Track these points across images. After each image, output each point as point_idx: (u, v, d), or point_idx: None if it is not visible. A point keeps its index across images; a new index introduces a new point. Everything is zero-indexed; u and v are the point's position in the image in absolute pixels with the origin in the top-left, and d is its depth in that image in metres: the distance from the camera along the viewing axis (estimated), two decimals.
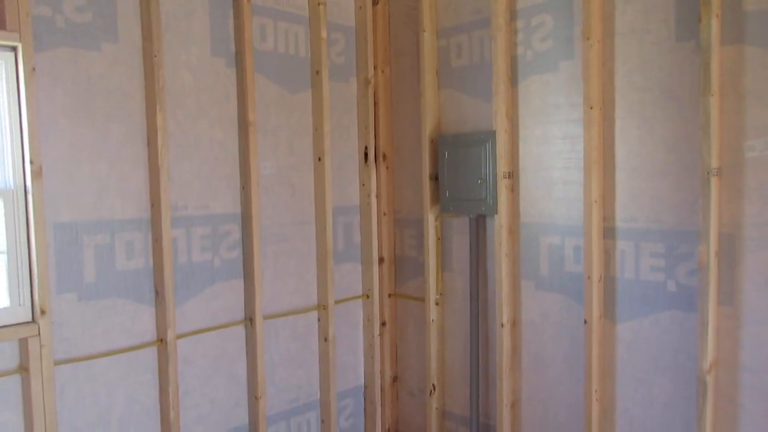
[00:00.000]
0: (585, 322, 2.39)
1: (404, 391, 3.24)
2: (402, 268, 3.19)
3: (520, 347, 2.70)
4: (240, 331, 2.68)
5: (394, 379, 3.26)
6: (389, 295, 3.22)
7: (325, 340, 2.94)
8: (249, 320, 2.67)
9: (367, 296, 3.15)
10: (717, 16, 2.03)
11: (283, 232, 2.83)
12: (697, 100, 2.13)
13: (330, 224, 2.90)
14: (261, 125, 2.70)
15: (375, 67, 3.10)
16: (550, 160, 2.54)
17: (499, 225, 2.65)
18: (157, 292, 2.40)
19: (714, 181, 2.06)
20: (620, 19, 2.30)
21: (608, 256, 2.39)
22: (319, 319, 2.97)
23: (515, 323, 2.70)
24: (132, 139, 2.34)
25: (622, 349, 2.38)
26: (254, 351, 2.65)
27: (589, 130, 2.34)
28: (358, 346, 3.17)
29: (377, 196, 3.13)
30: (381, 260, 3.18)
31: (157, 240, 2.37)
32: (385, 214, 3.17)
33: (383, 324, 3.21)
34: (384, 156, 3.15)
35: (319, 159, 2.90)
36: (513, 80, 2.64)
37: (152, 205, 2.38)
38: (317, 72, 2.87)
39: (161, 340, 2.40)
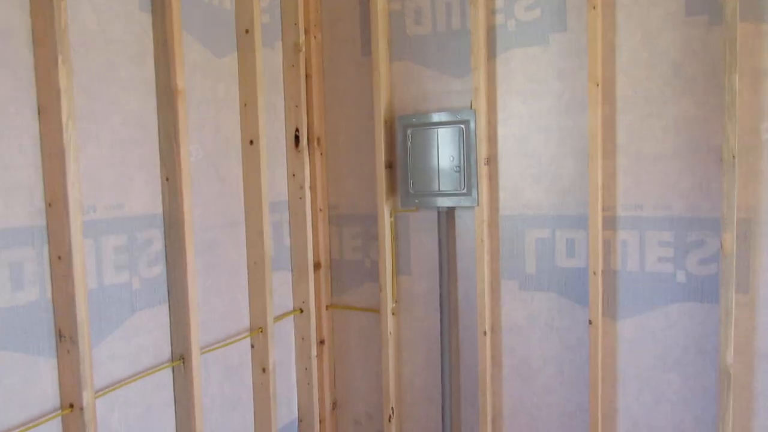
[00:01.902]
0: (590, 322, 2.17)
1: (347, 420, 2.74)
2: (341, 274, 2.68)
3: (501, 355, 2.40)
4: (167, 375, 1.97)
5: (334, 406, 2.75)
6: (327, 307, 2.69)
7: (263, 370, 2.33)
8: (181, 359, 1.97)
9: (301, 311, 2.59)
10: None
11: (213, 238, 2.16)
12: (709, 78, 2.01)
13: (267, 224, 2.29)
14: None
15: (306, 32, 2.54)
16: (538, 144, 2.27)
17: (481, 219, 2.31)
18: (61, 336, 1.62)
19: (738, 165, 1.95)
20: None
21: (609, 247, 2.19)
22: (253, 346, 2.34)
23: (495, 329, 2.39)
24: (17, 104, 1.53)
25: (624, 348, 2.20)
26: (189, 399, 1.96)
27: (594, 109, 2.12)
28: (290, 372, 2.60)
29: (311, 189, 2.58)
30: (317, 266, 2.64)
31: (61, 258, 1.59)
32: (320, 210, 2.64)
33: (321, 342, 2.68)
34: (318, 140, 2.62)
35: (251, 142, 2.27)
36: (491, 53, 2.31)
37: (50, 205, 1.59)
38: (246, 30, 2.24)
39: (71, 405, 1.62)
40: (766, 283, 1.98)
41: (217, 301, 2.18)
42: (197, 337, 1.97)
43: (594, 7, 2.08)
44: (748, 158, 1.96)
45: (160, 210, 1.94)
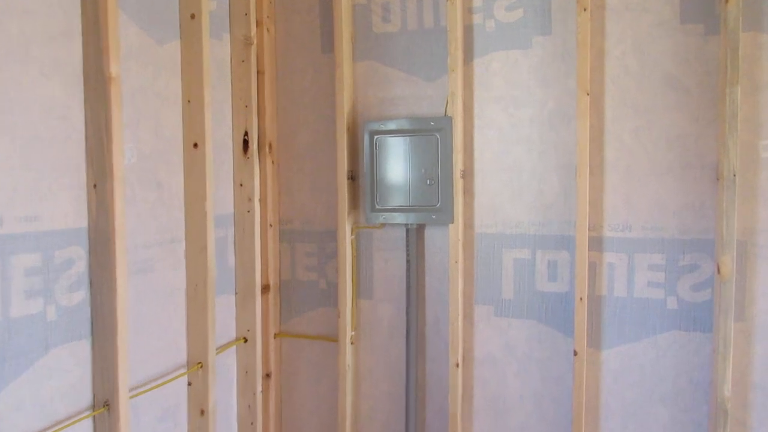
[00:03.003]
0: (575, 353, 1.98)
1: None
2: (292, 297, 2.38)
3: (473, 389, 2.17)
4: (87, 426, 1.60)
5: None
6: (275, 336, 2.37)
7: (201, 413, 1.99)
8: (105, 405, 1.61)
9: (245, 340, 2.26)
10: None
11: (146, 257, 1.81)
12: (704, 91, 1.89)
13: (211, 241, 1.97)
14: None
15: (258, 23, 2.25)
16: (519, 157, 2.07)
17: (456, 238, 2.09)
18: None
19: (738, 183, 1.82)
20: None
21: (594, 271, 2.02)
22: (190, 384, 2.00)
23: (467, 359, 2.16)
24: None
25: (609, 380, 2.02)
26: None
27: (583, 120, 1.95)
28: (230, 410, 2.25)
29: (261, 201, 2.27)
30: (265, 288, 2.32)
31: None
32: (270, 225, 2.33)
33: (267, 375, 2.35)
34: (270, 146, 2.31)
35: (195, 145, 1.95)
36: (468, 56, 2.10)
37: None
38: (192, 16, 1.92)
39: None
40: (763, 310, 1.85)
41: (150, 332, 1.83)
42: (126, 378, 1.61)
43: (584, 9, 1.92)
44: (746, 176, 1.84)
45: (84, 223, 1.58)
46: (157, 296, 1.85)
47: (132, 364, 1.74)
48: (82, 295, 1.58)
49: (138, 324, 1.78)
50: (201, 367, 1.98)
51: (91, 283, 1.60)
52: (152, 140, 1.81)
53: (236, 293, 2.25)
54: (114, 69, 1.56)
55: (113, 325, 1.59)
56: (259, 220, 2.25)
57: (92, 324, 1.61)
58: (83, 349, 1.59)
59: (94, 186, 1.58)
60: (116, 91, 1.57)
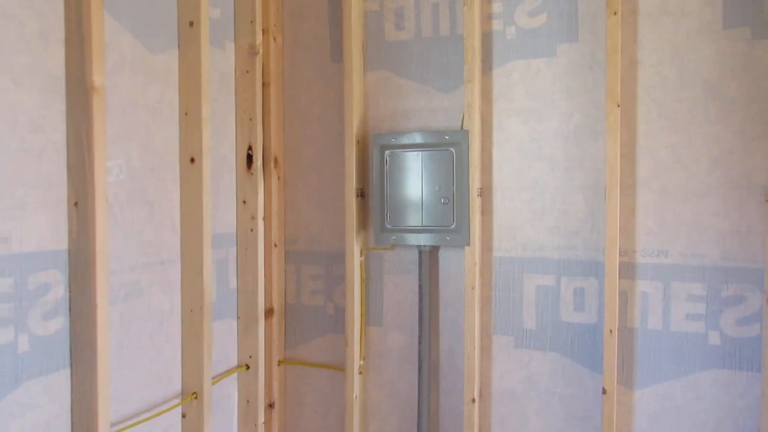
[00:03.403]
0: (603, 391, 1.79)
1: None
2: (298, 322, 2.23)
3: (490, 427, 1.98)
4: None
5: None
6: (279, 363, 2.22)
7: None
8: None
9: (247, 367, 2.12)
10: None
11: (135, 280, 1.68)
12: (751, 102, 1.70)
13: (209, 262, 1.84)
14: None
15: (264, 32, 2.13)
16: (541, 174, 1.90)
17: (472, 261, 1.92)
18: None
19: None
20: None
21: (626, 300, 1.82)
22: (184, 415, 1.86)
23: (484, 395, 1.98)
24: None
25: (642, 423, 1.82)
26: None
27: (613, 135, 1.76)
28: None
29: (265, 220, 2.13)
30: (269, 313, 2.18)
31: None
32: (275, 246, 2.19)
33: (270, 405, 2.20)
34: (275, 161, 2.18)
35: (192, 160, 1.82)
36: (487, 65, 1.94)
37: None
38: (191, 23, 1.81)
39: None
40: None
41: (138, 361, 1.70)
42: (107, 413, 1.48)
43: (615, 13, 1.74)
44: None
45: (63, 245, 1.46)
46: (146, 322, 1.72)
47: (118, 396, 1.62)
48: (59, 323, 1.46)
49: (125, 353, 1.65)
50: (196, 397, 1.85)
51: (70, 310, 1.48)
52: (143, 155, 1.69)
53: (238, 317, 2.12)
54: (98, 78, 1.45)
55: (93, 356, 1.46)
56: (263, 239, 2.11)
57: (71, 354, 1.48)
58: (60, 382, 1.46)
59: (75, 204, 1.46)
60: (100, 102, 1.45)
